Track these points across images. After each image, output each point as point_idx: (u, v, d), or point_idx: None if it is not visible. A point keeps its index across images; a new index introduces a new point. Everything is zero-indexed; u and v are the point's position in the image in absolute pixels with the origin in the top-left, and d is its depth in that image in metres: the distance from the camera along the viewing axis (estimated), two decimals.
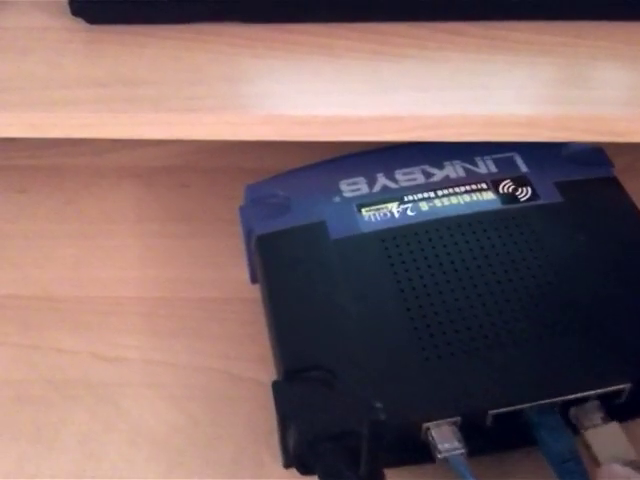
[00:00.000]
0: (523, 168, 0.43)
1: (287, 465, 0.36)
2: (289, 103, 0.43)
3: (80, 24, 0.45)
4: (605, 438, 0.33)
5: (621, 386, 0.34)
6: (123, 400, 0.41)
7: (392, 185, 0.43)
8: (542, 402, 0.34)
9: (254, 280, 0.44)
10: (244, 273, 0.45)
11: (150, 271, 0.48)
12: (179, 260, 0.48)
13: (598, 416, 0.33)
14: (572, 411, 0.34)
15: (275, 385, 0.35)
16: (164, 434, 0.40)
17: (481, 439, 0.34)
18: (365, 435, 0.26)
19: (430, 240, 0.40)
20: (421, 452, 0.34)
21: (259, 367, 0.41)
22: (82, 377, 0.42)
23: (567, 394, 0.33)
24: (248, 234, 0.42)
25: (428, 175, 0.43)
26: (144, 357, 0.43)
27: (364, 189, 0.43)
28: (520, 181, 0.42)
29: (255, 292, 0.43)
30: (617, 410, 0.35)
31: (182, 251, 0.49)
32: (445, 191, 0.42)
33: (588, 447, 0.33)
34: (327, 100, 0.42)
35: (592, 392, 0.34)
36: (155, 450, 0.39)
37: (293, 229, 0.41)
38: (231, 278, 0.46)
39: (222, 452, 0.39)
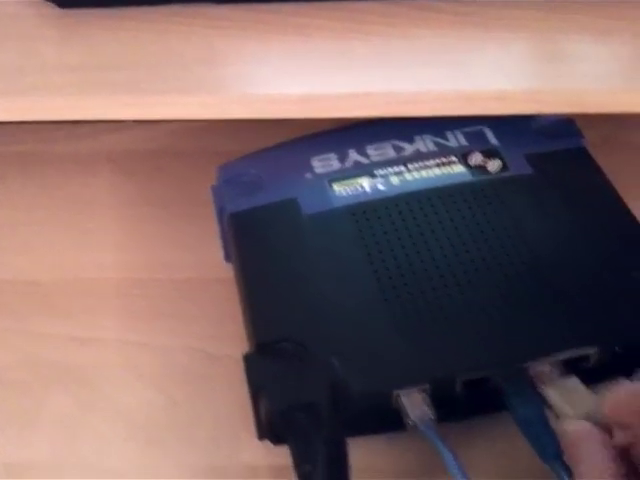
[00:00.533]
0: (493, 141, 0.43)
1: (261, 437, 0.36)
2: (262, 82, 0.43)
3: (52, 9, 0.45)
4: (565, 392, 0.33)
5: (589, 350, 0.34)
6: (101, 381, 0.41)
7: (363, 160, 0.43)
8: (510, 367, 0.34)
9: (229, 259, 0.44)
10: (220, 254, 0.45)
11: (127, 254, 0.48)
12: (155, 243, 0.48)
13: (557, 372, 0.34)
14: (532, 370, 0.34)
15: (246, 357, 0.35)
16: (142, 414, 0.40)
17: (451, 406, 0.34)
18: (325, 398, 0.26)
19: (400, 213, 0.40)
20: (393, 420, 0.34)
21: (236, 345, 0.41)
22: (60, 359, 0.42)
23: (535, 358, 0.34)
24: (220, 213, 0.42)
25: (399, 149, 0.43)
26: (121, 338, 0.43)
27: (336, 165, 0.43)
28: (490, 154, 0.43)
29: (230, 272, 0.43)
30: (586, 375, 0.35)
31: (158, 234, 0.49)
32: (416, 165, 0.42)
33: (549, 402, 0.33)
34: (300, 78, 0.42)
35: (560, 357, 0.34)
36: (133, 430, 0.39)
37: (265, 206, 0.41)
38: (207, 259, 0.46)
39: (199, 429, 0.39)
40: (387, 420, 0.35)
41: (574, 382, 0.33)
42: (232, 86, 0.42)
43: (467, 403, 0.35)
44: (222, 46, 0.44)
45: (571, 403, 0.32)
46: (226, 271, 0.43)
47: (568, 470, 0.31)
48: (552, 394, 0.33)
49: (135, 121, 0.54)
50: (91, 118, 0.42)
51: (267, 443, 0.37)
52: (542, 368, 0.34)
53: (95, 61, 0.43)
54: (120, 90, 0.42)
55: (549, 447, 0.32)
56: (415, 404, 0.34)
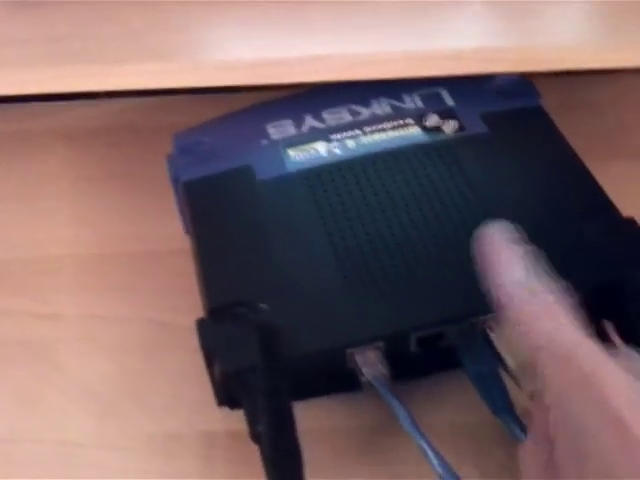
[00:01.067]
0: (449, 102, 0.43)
1: (220, 403, 0.36)
2: (213, 49, 0.42)
3: None
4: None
5: None
6: (58, 355, 0.41)
7: (319, 125, 0.43)
8: (463, 322, 0.34)
9: (188, 230, 0.43)
10: (178, 226, 0.44)
11: (84, 229, 0.47)
12: (113, 217, 0.48)
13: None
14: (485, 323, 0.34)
15: (199, 322, 0.35)
16: (98, 385, 0.39)
17: (406, 364, 0.34)
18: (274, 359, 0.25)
19: (355, 176, 0.40)
20: (348, 380, 0.34)
21: (193, 316, 0.40)
22: (17, 335, 0.42)
23: (488, 313, 0.33)
24: (175, 182, 0.42)
25: (355, 113, 0.43)
26: (79, 312, 0.43)
27: (291, 130, 0.43)
28: (446, 115, 0.42)
29: (189, 244, 0.42)
30: None
31: (116, 208, 0.48)
32: (372, 128, 0.42)
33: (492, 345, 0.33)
34: (252, 44, 0.42)
35: None
36: (89, 401, 0.39)
37: (219, 174, 0.41)
38: (165, 232, 0.46)
39: (156, 398, 0.39)
40: (342, 380, 0.34)
41: None
42: (182, 54, 0.42)
43: (422, 360, 0.35)
44: (171, 14, 0.43)
45: (515, 353, 0.32)
46: (184, 243, 0.43)
47: (519, 423, 0.31)
48: (498, 341, 0.33)
49: (93, 97, 0.53)
50: (38, 91, 0.42)
51: (224, 410, 0.36)
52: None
53: (43, 33, 0.42)
54: (69, 61, 0.41)
55: (500, 401, 0.32)
56: (369, 362, 0.34)
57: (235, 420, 0.35)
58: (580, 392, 0.24)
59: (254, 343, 0.33)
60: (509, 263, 0.29)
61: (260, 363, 0.32)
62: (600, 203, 0.38)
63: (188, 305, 0.40)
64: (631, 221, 0.36)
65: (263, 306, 0.34)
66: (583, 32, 0.42)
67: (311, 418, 0.36)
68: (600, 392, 0.24)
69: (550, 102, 0.44)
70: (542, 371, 0.26)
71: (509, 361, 0.32)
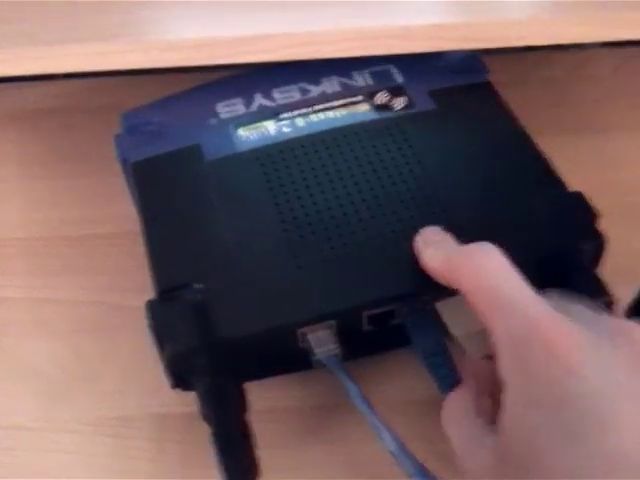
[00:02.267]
0: (399, 79, 0.43)
1: (173, 385, 0.35)
2: (158, 29, 0.42)
3: None
4: (454, 309, 0.33)
5: None
6: (5, 339, 0.40)
7: (269, 104, 0.42)
8: (414, 300, 0.34)
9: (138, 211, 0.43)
10: (130, 208, 0.44)
11: (34, 213, 0.47)
12: (64, 200, 0.47)
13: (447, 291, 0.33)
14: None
15: (148, 304, 0.34)
16: (48, 369, 0.39)
17: (358, 342, 0.34)
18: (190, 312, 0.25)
19: (305, 154, 0.39)
20: (301, 359, 0.34)
21: (145, 297, 0.40)
22: None
23: (438, 290, 0.33)
24: (124, 163, 0.41)
25: (305, 92, 0.43)
26: (27, 296, 0.42)
27: (241, 109, 0.42)
28: (395, 92, 0.42)
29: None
30: None
31: (67, 191, 0.48)
32: (321, 106, 0.42)
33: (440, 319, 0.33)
34: (198, 24, 0.41)
35: None
36: (39, 385, 0.38)
37: (167, 154, 0.40)
38: (116, 214, 0.45)
39: (107, 382, 0.39)
40: (295, 360, 0.34)
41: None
42: (127, 34, 0.41)
43: (373, 339, 0.35)
44: None
45: (459, 318, 0.32)
46: (135, 225, 0.42)
47: None
48: (441, 309, 0.33)
49: (47, 78, 0.52)
50: None
51: (177, 392, 0.36)
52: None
53: None
54: (13, 43, 0.40)
55: (447, 378, 0.32)
56: (321, 341, 0.34)
57: (188, 403, 0.35)
58: (528, 338, 0.26)
59: (194, 325, 0.32)
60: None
61: (198, 344, 0.32)
62: (547, 177, 0.38)
63: (141, 286, 0.39)
64: (578, 195, 0.37)
65: (212, 287, 0.34)
66: (531, 8, 0.42)
67: (266, 398, 0.37)
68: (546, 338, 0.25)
69: (500, 78, 0.44)
70: (491, 324, 0.27)
71: (456, 330, 0.32)
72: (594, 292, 0.34)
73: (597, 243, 0.35)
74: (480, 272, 0.29)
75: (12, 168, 0.49)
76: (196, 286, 0.34)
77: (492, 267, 0.29)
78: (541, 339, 0.26)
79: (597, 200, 0.36)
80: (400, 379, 0.37)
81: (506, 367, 0.27)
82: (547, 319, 0.26)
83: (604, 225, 0.36)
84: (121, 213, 0.45)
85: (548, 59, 0.52)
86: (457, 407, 0.30)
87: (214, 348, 0.32)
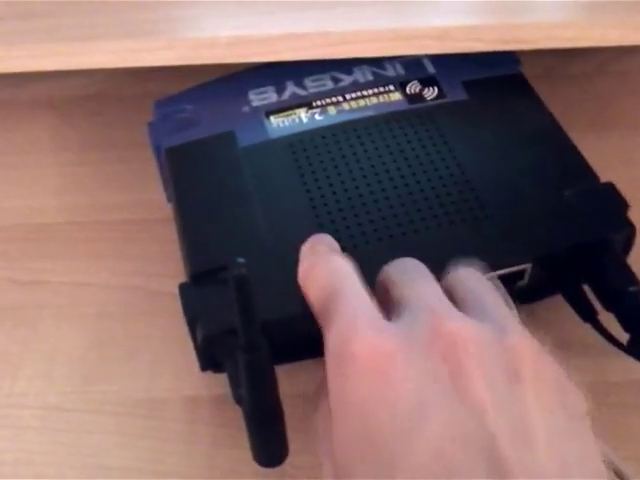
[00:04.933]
0: (431, 69, 0.43)
1: (203, 368, 0.36)
2: (191, 26, 0.42)
3: None
4: None
5: (522, 266, 0.35)
6: (40, 321, 0.41)
7: (301, 92, 0.43)
8: None
9: (170, 197, 0.43)
10: (161, 195, 0.44)
11: (67, 198, 0.47)
12: (96, 186, 0.48)
13: None
14: None
15: (181, 287, 0.35)
16: (81, 350, 0.40)
17: None
18: (232, 287, 0.25)
19: (337, 142, 0.40)
20: None
21: (177, 282, 0.40)
22: (1, 302, 0.42)
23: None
24: (157, 149, 0.42)
25: (337, 80, 0.43)
26: (62, 280, 0.43)
27: (273, 97, 0.43)
28: (427, 82, 0.43)
29: (171, 213, 0.42)
30: (521, 293, 0.35)
31: (99, 177, 0.48)
32: (353, 95, 0.42)
33: None
34: (232, 22, 0.42)
35: (496, 273, 0.34)
36: (72, 366, 0.39)
37: (201, 140, 0.41)
38: (148, 200, 0.46)
39: (139, 363, 0.39)
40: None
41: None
42: (160, 31, 0.42)
43: None
44: None
45: None
46: (167, 211, 0.43)
47: None
48: None
49: None
50: (14, 70, 0.41)
51: (208, 375, 0.37)
52: None
53: (18, 11, 0.42)
54: (44, 39, 0.41)
55: None
56: None
57: (219, 384, 0.35)
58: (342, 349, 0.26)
59: (227, 307, 0.33)
60: None
61: (232, 326, 0.32)
62: (579, 168, 0.38)
63: (172, 272, 0.40)
64: (609, 186, 0.37)
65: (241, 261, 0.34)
66: (568, 10, 0.42)
67: (294, 382, 0.37)
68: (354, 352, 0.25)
69: (531, 72, 0.44)
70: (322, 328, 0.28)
71: None
72: (625, 280, 0.34)
73: (628, 233, 0.35)
74: (320, 278, 0.29)
75: (46, 155, 0.50)
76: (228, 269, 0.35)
77: (334, 273, 0.29)
78: (350, 352, 0.25)
79: (626, 193, 0.37)
80: None
81: (328, 372, 0.26)
82: (364, 329, 0.25)
83: (633, 218, 0.36)
84: (151, 199, 0.45)
85: (579, 54, 0.52)
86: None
87: (243, 329, 0.32)
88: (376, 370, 0.24)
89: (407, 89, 0.42)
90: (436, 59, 0.44)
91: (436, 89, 0.42)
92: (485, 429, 0.23)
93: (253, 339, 0.26)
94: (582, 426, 0.25)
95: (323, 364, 0.36)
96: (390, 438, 0.23)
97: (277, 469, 0.32)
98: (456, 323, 0.25)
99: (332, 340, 0.26)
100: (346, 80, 0.43)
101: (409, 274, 0.29)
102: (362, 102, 0.42)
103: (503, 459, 0.22)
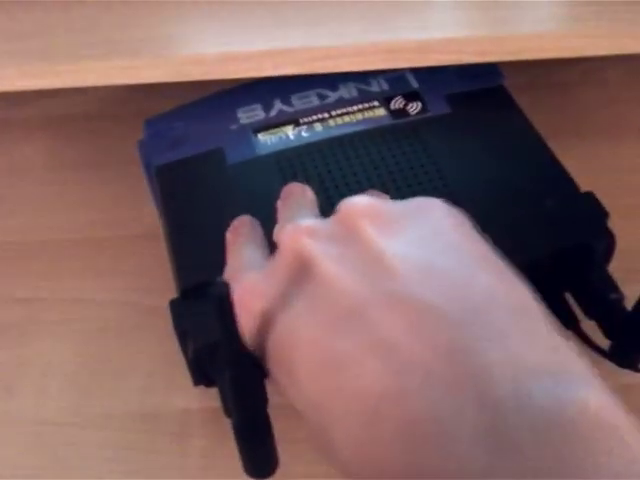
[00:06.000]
0: (414, 84, 0.44)
1: (196, 382, 0.37)
2: (179, 44, 0.43)
3: None
4: None
5: None
6: (36, 338, 0.42)
7: (288, 109, 0.44)
8: None
9: (161, 215, 0.44)
10: (154, 211, 0.45)
11: (62, 216, 0.48)
12: (91, 204, 0.49)
13: None
14: None
15: (172, 302, 0.36)
16: (76, 366, 0.40)
17: None
18: (213, 306, 0.26)
19: (323, 157, 0.41)
20: None
21: (168, 297, 0.41)
22: None
23: None
24: (148, 167, 0.43)
25: (323, 97, 0.44)
26: (57, 296, 0.44)
27: (260, 115, 0.44)
28: (411, 97, 0.43)
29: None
30: None
31: (93, 195, 0.49)
32: (339, 111, 0.43)
33: None
34: (219, 39, 0.43)
35: None
36: (67, 381, 0.40)
37: (190, 158, 0.42)
38: (142, 216, 0.47)
39: (132, 378, 0.40)
40: None
41: None
42: (147, 49, 0.42)
43: None
44: (137, 11, 0.44)
45: None
46: (159, 227, 0.44)
47: None
48: None
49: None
50: (4, 89, 0.42)
51: (200, 389, 0.37)
52: None
53: (9, 30, 0.43)
54: (32, 59, 0.41)
55: None
56: None
57: (211, 398, 0.36)
58: None
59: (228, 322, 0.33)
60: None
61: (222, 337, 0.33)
62: (560, 178, 0.39)
63: (165, 287, 0.40)
64: (589, 195, 0.38)
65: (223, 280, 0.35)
66: (549, 22, 0.42)
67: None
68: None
69: (514, 83, 0.45)
70: None
71: None
72: (605, 288, 0.35)
73: (608, 241, 0.36)
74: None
75: (39, 173, 0.51)
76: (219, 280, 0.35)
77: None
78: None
79: (607, 202, 0.37)
80: None
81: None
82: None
83: (613, 227, 0.37)
84: (144, 216, 0.46)
85: (560, 64, 0.53)
86: None
87: (227, 340, 0.33)
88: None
89: (391, 104, 0.43)
90: (419, 74, 0.45)
91: (420, 104, 0.43)
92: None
93: (236, 355, 0.27)
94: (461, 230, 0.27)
95: None
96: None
97: None
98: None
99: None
100: (332, 97, 0.44)
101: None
102: (347, 118, 0.43)
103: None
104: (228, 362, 0.27)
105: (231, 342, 0.26)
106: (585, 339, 0.36)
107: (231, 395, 0.28)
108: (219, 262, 0.37)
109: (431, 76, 0.44)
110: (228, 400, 0.30)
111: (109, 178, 0.50)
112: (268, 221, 0.38)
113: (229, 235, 0.35)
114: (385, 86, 0.44)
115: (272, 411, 0.31)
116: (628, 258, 0.37)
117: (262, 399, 0.30)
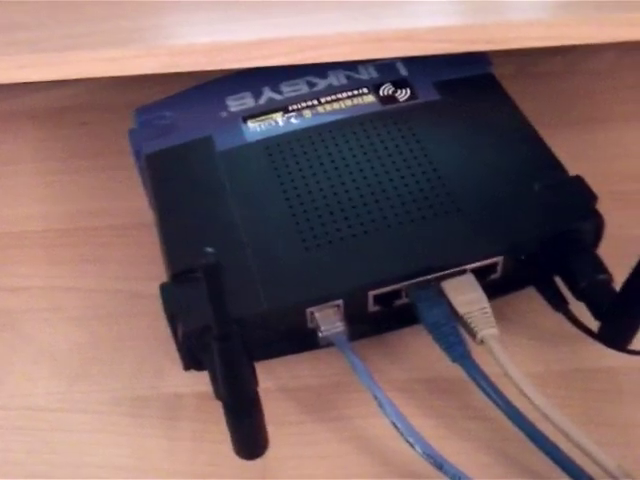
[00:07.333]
0: (403, 72, 0.44)
1: (186, 367, 0.37)
2: (169, 34, 0.43)
3: None
4: (459, 288, 0.34)
5: (494, 259, 0.36)
6: (25, 325, 0.42)
7: (277, 97, 0.44)
8: (419, 279, 0.35)
9: (151, 203, 0.44)
10: (143, 200, 0.45)
11: (52, 206, 0.48)
12: (81, 194, 0.49)
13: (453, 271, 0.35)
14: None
15: (162, 287, 0.36)
16: (65, 352, 0.40)
17: (365, 322, 0.36)
18: (202, 277, 0.26)
19: (313, 144, 0.41)
20: (308, 338, 0.35)
21: (157, 284, 0.41)
22: None
23: (443, 269, 0.35)
24: (137, 156, 0.43)
25: (312, 85, 0.44)
26: (46, 284, 0.44)
27: (250, 103, 0.44)
28: (400, 84, 0.44)
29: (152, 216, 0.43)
30: (495, 286, 0.36)
31: (83, 185, 0.49)
32: (328, 98, 0.43)
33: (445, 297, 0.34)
34: (208, 29, 0.43)
35: (468, 266, 0.35)
36: (57, 368, 0.40)
37: (180, 146, 0.42)
38: (132, 206, 0.47)
39: (122, 364, 0.40)
40: (302, 339, 0.36)
41: (469, 278, 0.35)
42: (137, 40, 0.42)
43: (379, 318, 0.36)
44: (127, 1, 0.44)
45: (465, 296, 0.34)
46: (149, 217, 0.44)
47: (477, 367, 0.33)
48: (447, 287, 0.34)
49: None
50: None
51: (190, 374, 0.37)
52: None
53: None
54: (25, 50, 0.41)
55: (457, 346, 0.33)
56: (328, 319, 0.35)
57: (201, 382, 0.36)
58: None
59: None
60: None
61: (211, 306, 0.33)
62: (548, 163, 0.39)
63: (154, 275, 0.40)
64: (577, 179, 0.38)
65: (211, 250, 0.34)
66: (537, 10, 0.43)
67: (275, 378, 0.38)
68: None
69: (502, 71, 0.45)
70: None
71: (461, 309, 0.34)
72: (593, 269, 0.35)
73: (596, 223, 0.36)
74: None
75: (29, 165, 0.51)
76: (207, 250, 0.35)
77: None
78: None
79: (595, 188, 0.38)
80: (406, 358, 0.38)
81: None
82: None
83: (601, 211, 0.37)
84: (133, 206, 0.46)
85: (549, 53, 0.53)
86: None
87: (216, 323, 0.33)
88: None
89: (380, 91, 0.43)
90: (408, 62, 0.45)
91: (408, 91, 0.43)
92: None
93: (226, 327, 0.27)
94: None
95: (303, 359, 0.37)
96: None
97: (258, 463, 0.33)
98: None
99: None
100: (321, 84, 0.44)
101: None
102: (337, 105, 0.43)
103: None
104: (217, 335, 0.27)
105: (221, 314, 0.26)
106: (574, 321, 0.36)
107: (220, 368, 0.28)
108: (209, 244, 0.37)
109: (420, 64, 0.44)
110: (218, 376, 0.30)
111: (99, 168, 0.50)
112: (256, 205, 0.38)
113: None
114: (374, 73, 0.44)
115: (268, 394, 0.32)
116: (618, 244, 0.37)
117: (251, 377, 0.30)
